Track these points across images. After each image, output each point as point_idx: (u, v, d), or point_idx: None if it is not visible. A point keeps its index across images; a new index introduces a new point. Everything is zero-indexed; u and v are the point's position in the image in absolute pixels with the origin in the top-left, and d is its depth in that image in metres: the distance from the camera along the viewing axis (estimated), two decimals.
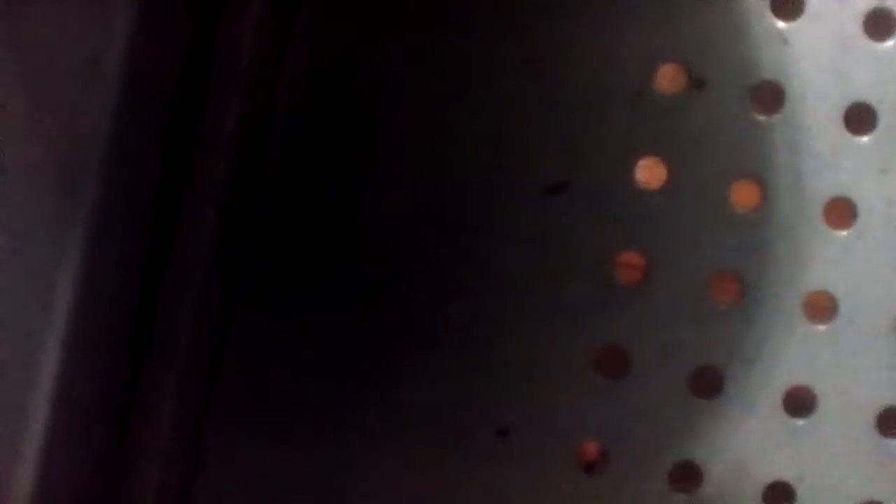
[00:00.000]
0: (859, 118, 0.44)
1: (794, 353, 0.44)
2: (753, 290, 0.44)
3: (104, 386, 0.41)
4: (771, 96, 0.44)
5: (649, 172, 0.44)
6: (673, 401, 0.44)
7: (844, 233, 0.44)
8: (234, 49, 0.43)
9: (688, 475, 0.44)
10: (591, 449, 0.44)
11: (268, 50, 0.44)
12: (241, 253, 0.45)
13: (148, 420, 0.43)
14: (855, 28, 0.44)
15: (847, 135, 0.44)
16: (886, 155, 0.44)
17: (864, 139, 0.44)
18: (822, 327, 0.44)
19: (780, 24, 0.44)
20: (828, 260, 0.44)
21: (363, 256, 0.45)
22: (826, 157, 0.44)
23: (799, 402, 0.44)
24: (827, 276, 0.44)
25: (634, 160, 0.44)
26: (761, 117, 0.44)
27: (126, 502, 0.42)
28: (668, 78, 0.44)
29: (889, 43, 0.44)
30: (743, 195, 0.44)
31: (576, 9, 0.44)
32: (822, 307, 0.44)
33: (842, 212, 0.44)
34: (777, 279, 0.44)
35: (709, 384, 0.44)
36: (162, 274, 0.43)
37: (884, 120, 0.44)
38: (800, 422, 0.44)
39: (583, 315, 0.44)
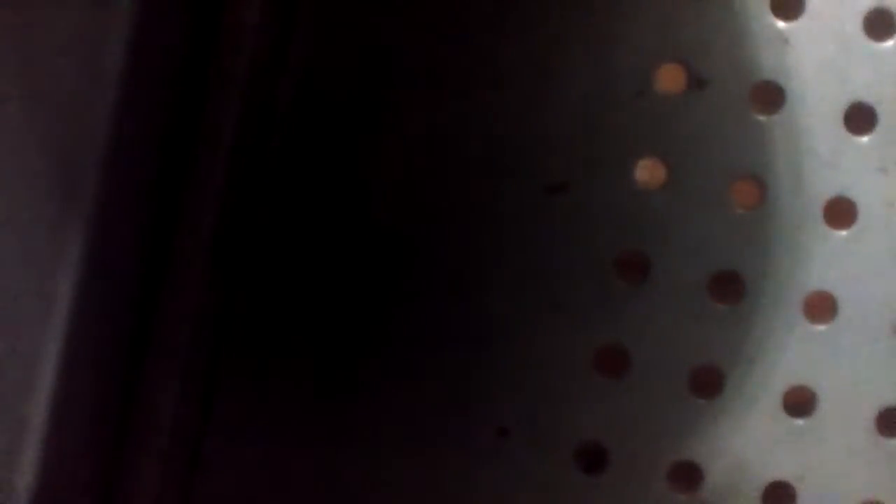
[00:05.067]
0: (859, 118, 0.44)
1: (794, 353, 0.44)
2: (753, 290, 0.44)
3: (104, 386, 0.41)
4: (771, 96, 0.44)
5: (649, 172, 0.44)
6: (673, 401, 0.44)
7: (844, 233, 0.44)
8: (234, 49, 0.43)
9: (688, 475, 0.44)
10: (591, 449, 0.44)
11: (268, 50, 0.44)
12: (241, 252, 0.45)
13: (148, 420, 0.43)
14: (855, 28, 0.44)
15: (847, 135, 0.44)
16: (886, 155, 0.44)
17: (864, 139, 0.44)
18: (822, 327, 0.44)
19: (780, 24, 0.44)
20: (828, 260, 0.44)
21: (363, 256, 0.45)
22: (826, 157, 0.44)
23: (799, 402, 0.44)
24: (827, 276, 0.44)
25: (634, 160, 0.44)
26: (761, 117, 0.44)
27: (126, 502, 0.42)
28: (668, 78, 0.44)
29: (889, 43, 0.44)
30: (743, 195, 0.44)
31: (576, 9, 0.44)
32: (822, 307, 0.44)
33: (842, 212, 0.44)
34: (777, 279, 0.44)
35: (709, 384, 0.44)
36: (162, 274, 0.43)
37: (884, 120, 0.44)
38: (800, 422, 0.44)
39: (583, 315, 0.44)
